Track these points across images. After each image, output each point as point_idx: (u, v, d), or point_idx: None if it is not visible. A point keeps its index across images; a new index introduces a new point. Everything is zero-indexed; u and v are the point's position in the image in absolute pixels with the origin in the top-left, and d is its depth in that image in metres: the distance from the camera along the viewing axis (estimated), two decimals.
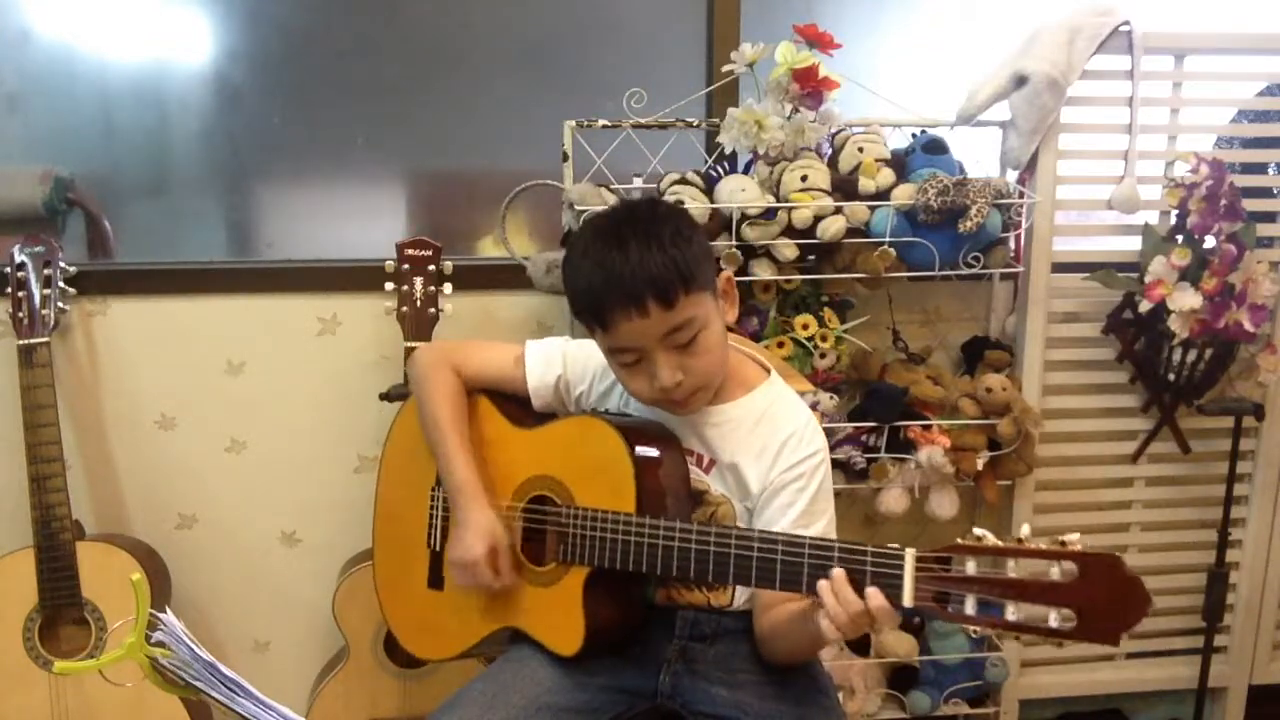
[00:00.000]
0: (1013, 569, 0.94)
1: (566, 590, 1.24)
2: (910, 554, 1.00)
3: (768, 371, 1.32)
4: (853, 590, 1.02)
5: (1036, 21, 1.88)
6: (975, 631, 0.97)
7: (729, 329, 1.25)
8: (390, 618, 1.46)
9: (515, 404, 1.36)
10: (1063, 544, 0.92)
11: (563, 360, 1.34)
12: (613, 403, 1.33)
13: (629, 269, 1.12)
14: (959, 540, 0.98)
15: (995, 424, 1.87)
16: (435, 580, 1.39)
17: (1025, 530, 0.96)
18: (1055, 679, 2.15)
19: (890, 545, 1.02)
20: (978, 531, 0.97)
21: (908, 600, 1.00)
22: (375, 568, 1.48)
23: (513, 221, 1.96)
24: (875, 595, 1.01)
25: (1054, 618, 0.93)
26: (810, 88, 1.72)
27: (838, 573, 1.03)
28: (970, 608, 0.96)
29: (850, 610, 1.01)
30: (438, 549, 1.38)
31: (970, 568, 0.96)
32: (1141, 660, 2.18)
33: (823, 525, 1.23)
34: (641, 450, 1.21)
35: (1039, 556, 0.93)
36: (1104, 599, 0.90)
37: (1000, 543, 0.96)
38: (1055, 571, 0.92)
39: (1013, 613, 0.94)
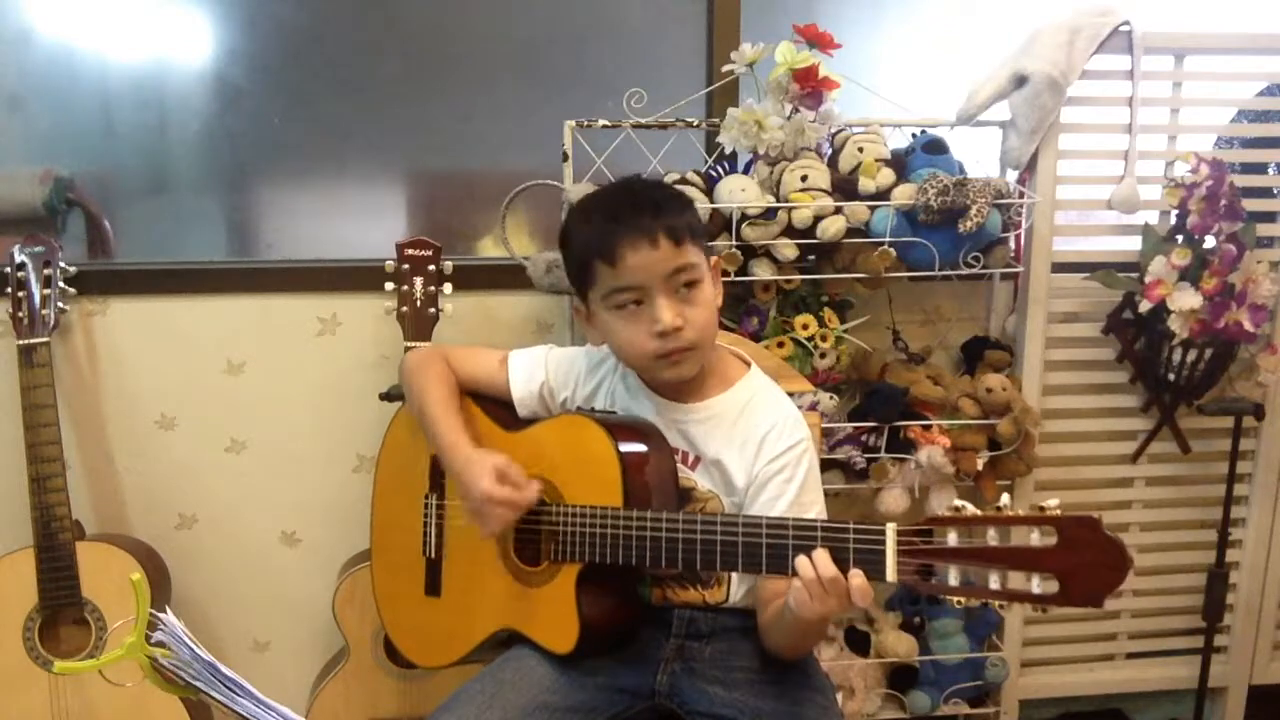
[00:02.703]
0: (993, 538, 0.95)
1: (559, 588, 1.24)
2: (891, 529, 1.01)
3: (748, 365, 1.33)
4: (830, 561, 1.03)
5: (1036, 21, 1.88)
6: (959, 602, 0.97)
7: (722, 325, 1.26)
8: (390, 627, 1.46)
9: (502, 408, 1.37)
10: (1041, 509, 0.92)
11: (545, 367, 1.35)
12: (597, 405, 1.34)
13: (643, 210, 1.18)
14: (939, 512, 0.98)
15: (995, 424, 1.87)
16: (432, 587, 1.39)
17: (1005, 500, 0.96)
18: (1055, 679, 2.15)
19: (872, 521, 1.03)
20: (957, 503, 0.98)
21: (890, 575, 1.00)
22: (374, 578, 1.48)
23: (513, 221, 1.96)
24: (856, 574, 1.02)
25: (1036, 584, 0.93)
26: (810, 88, 1.72)
27: (819, 551, 1.04)
28: (953, 579, 0.97)
29: (824, 575, 1.02)
30: (433, 556, 1.39)
31: (951, 539, 0.97)
32: (1141, 660, 2.18)
33: (813, 516, 1.23)
34: (627, 446, 1.21)
35: (1018, 523, 0.94)
36: (1085, 562, 0.91)
37: (980, 512, 0.96)
38: (1035, 537, 0.93)
39: (995, 581, 0.95)
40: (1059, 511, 0.92)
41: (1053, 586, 0.92)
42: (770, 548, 1.09)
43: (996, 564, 0.94)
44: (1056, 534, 0.91)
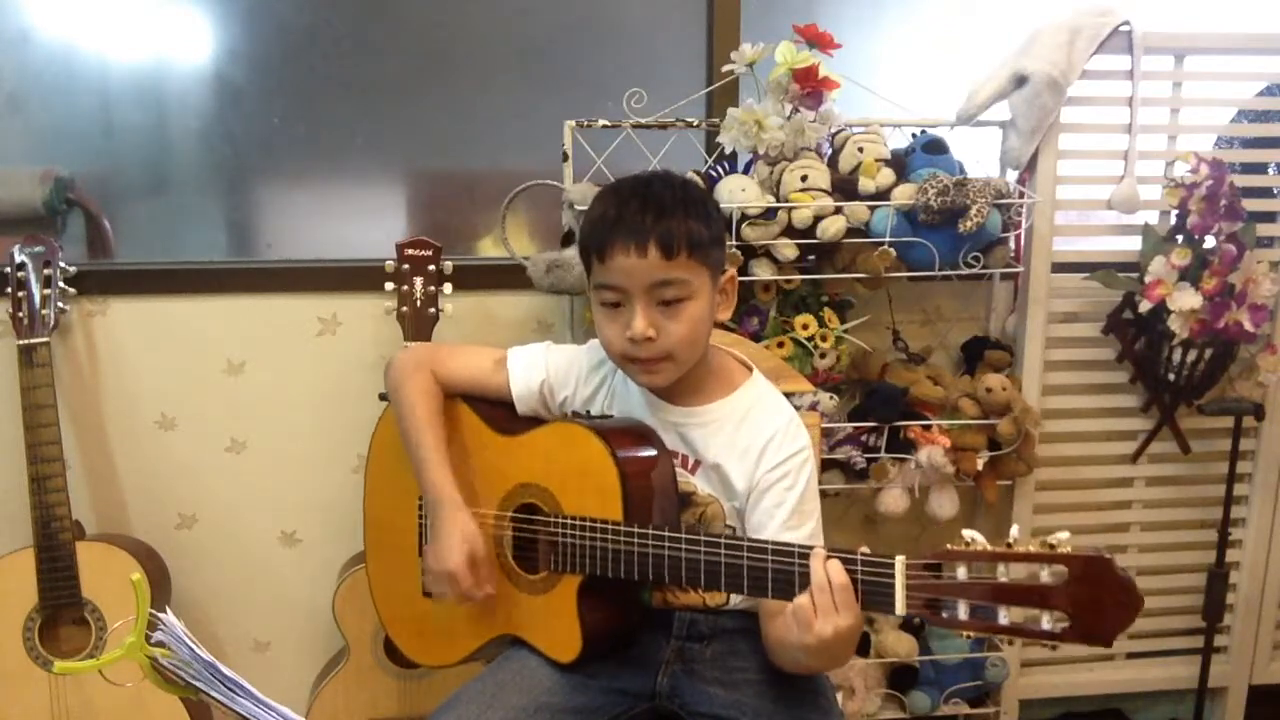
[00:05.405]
0: (1003, 573, 0.94)
1: (560, 598, 1.23)
2: (900, 561, 1.00)
3: (750, 370, 1.32)
4: (842, 569, 1.03)
5: (1036, 21, 1.88)
6: (969, 635, 0.97)
7: (722, 326, 1.25)
8: (388, 625, 1.46)
9: (497, 410, 1.34)
10: (1052, 546, 0.92)
11: (545, 365, 1.34)
12: (597, 405, 1.33)
13: (647, 213, 1.16)
14: (948, 546, 0.97)
15: (995, 424, 1.87)
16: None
17: (1014, 532, 0.95)
18: (1055, 679, 2.15)
19: (881, 554, 1.02)
20: (967, 535, 0.97)
21: (900, 609, 0.99)
22: (370, 576, 1.48)
23: (513, 221, 1.96)
24: (838, 571, 1.02)
25: (1046, 620, 0.92)
26: (810, 88, 1.72)
27: (833, 561, 1.03)
28: (963, 613, 0.96)
29: (836, 583, 1.01)
30: None
31: (961, 574, 0.96)
32: (1141, 660, 2.18)
33: (812, 525, 1.23)
34: (625, 454, 1.20)
35: (1029, 560, 0.93)
36: (1096, 600, 0.90)
37: (990, 547, 0.95)
38: (1046, 574, 0.92)
39: (1005, 617, 0.94)
40: (1070, 549, 0.91)
41: (1063, 624, 0.91)
42: (776, 573, 1.08)
43: (1006, 600, 0.94)
44: (1067, 571, 0.91)
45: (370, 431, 1.48)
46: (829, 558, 1.03)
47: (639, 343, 1.18)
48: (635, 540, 1.16)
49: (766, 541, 1.11)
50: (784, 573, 1.08)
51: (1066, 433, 2.06)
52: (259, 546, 2.02)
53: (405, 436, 1.32)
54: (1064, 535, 0.92)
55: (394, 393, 1.36)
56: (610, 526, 1.18)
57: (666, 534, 1.15)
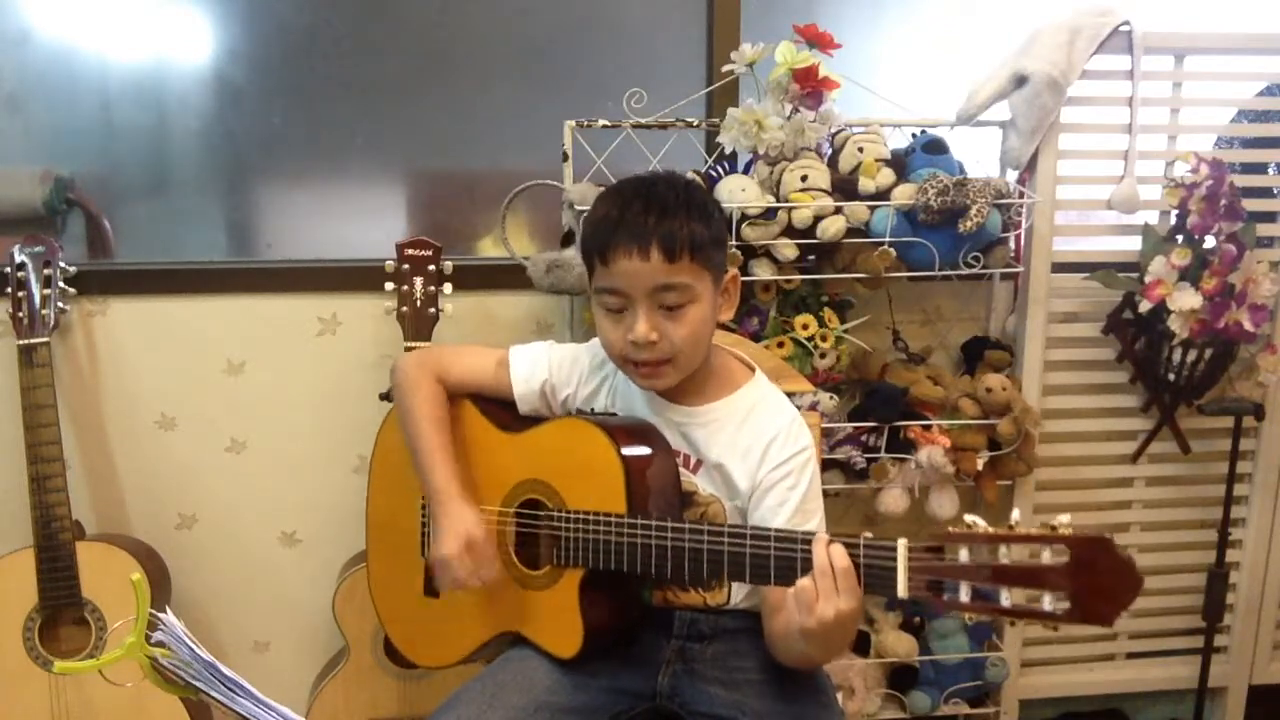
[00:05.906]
0: (1005, 555, 0.95)
1: (562, 593, 1.24)
2: (903, 544, 1.00)
3: (752, 370, 1.33)
4: (844, 553, 1.03)
5: (1036, 21, 1.88)
6: (970, 618, 0.97)
7: (722, 326, 1.25)
8: (388, 626, 1.46)
9: (500, 408, 1.35)
10: (1053, 528, 0.93)
11: (547, 365, 1.34)
12: (599, 403, 1.33)
13: (649, 215, 1.16)
14: (950, 529, 0.98)
15: (995, 424, 1.87)
16: (431, 588, 1.39)
17: (1016, 515, 0.96)
18: (1055, 679, 2.15)
19: (883, 538, 1.02)
20: (969, 519, 0.97)
21: (902, 591, 1.00)
22: (370, 576, 1.48)
23: (513, 221, 1.96)
24: (840, 555, 1.02)
25: (1048, 601, 0.93)
26: (810, 88, 1.72)
27: (835, 545, 1.03)
28: (965, 595, 0.96)
29: (838, 566, 1.02)
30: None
31: (963, 556, 0.97)
32: (1141, 660, 2.18)
33: (815, 524, 1.23)
34: (629, 450, 1.21)
35: (1030, 541, 0.93)
36: (1097, 581, 0.90)
37: (992, 529, 0.96)
38: (1047, 555, 0.93)
39: (1007, 598, 0.95)
40: (1070, 530, 0.92)
41: (1064, 604, 0.92)
42: (779, 559, 1.09)
43: (1008, 581, 0.94)
44: (1068, 553, 0.91)
45: (370, 431, 1.48)
46: (831, 542, 1.04)
47: (641, 346, 1.18)
48: (638, 532, 1.16)
49: (768, 529, 1.12)
50: (786, 559, 1.08)
51: (1066, 433, 2.06)
52: (259, 546, 2.02)
53: (410, 441, 1.33)
54: (1065, 518, 0.93)
55: (399, 399, 1.36)
56: (613, 519, 1.18)
57: (669, 524, 1.15)
